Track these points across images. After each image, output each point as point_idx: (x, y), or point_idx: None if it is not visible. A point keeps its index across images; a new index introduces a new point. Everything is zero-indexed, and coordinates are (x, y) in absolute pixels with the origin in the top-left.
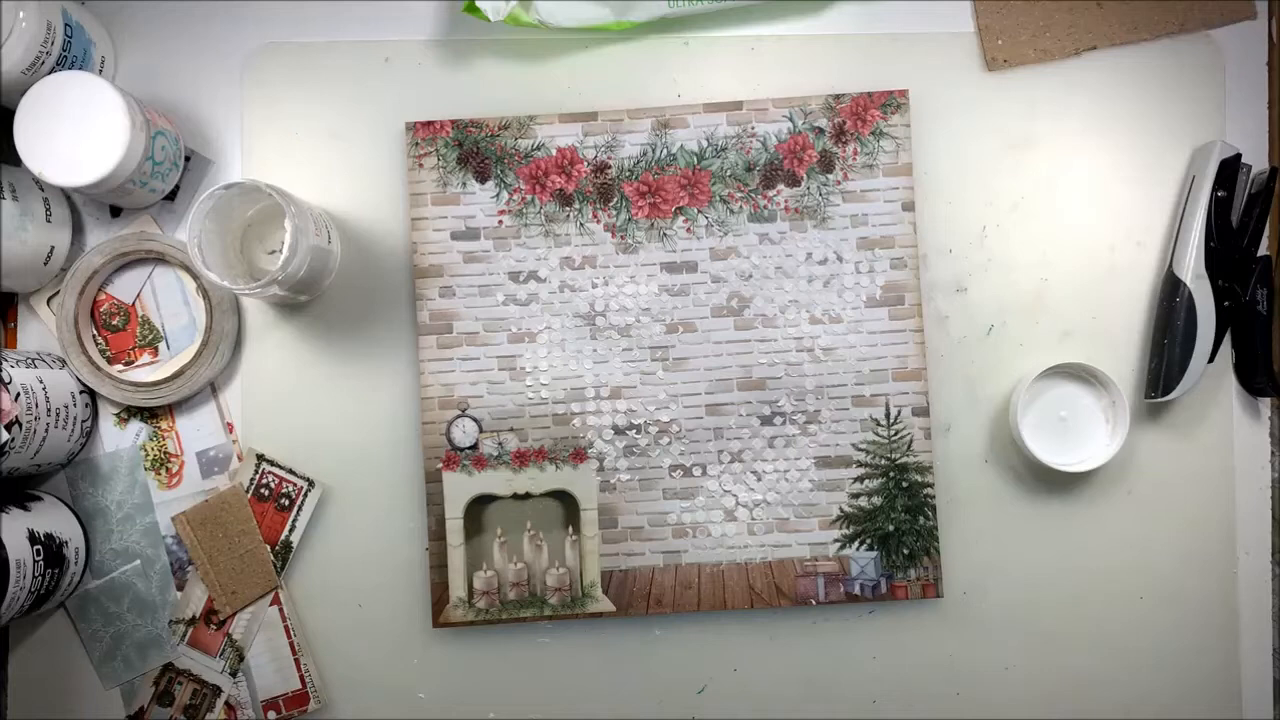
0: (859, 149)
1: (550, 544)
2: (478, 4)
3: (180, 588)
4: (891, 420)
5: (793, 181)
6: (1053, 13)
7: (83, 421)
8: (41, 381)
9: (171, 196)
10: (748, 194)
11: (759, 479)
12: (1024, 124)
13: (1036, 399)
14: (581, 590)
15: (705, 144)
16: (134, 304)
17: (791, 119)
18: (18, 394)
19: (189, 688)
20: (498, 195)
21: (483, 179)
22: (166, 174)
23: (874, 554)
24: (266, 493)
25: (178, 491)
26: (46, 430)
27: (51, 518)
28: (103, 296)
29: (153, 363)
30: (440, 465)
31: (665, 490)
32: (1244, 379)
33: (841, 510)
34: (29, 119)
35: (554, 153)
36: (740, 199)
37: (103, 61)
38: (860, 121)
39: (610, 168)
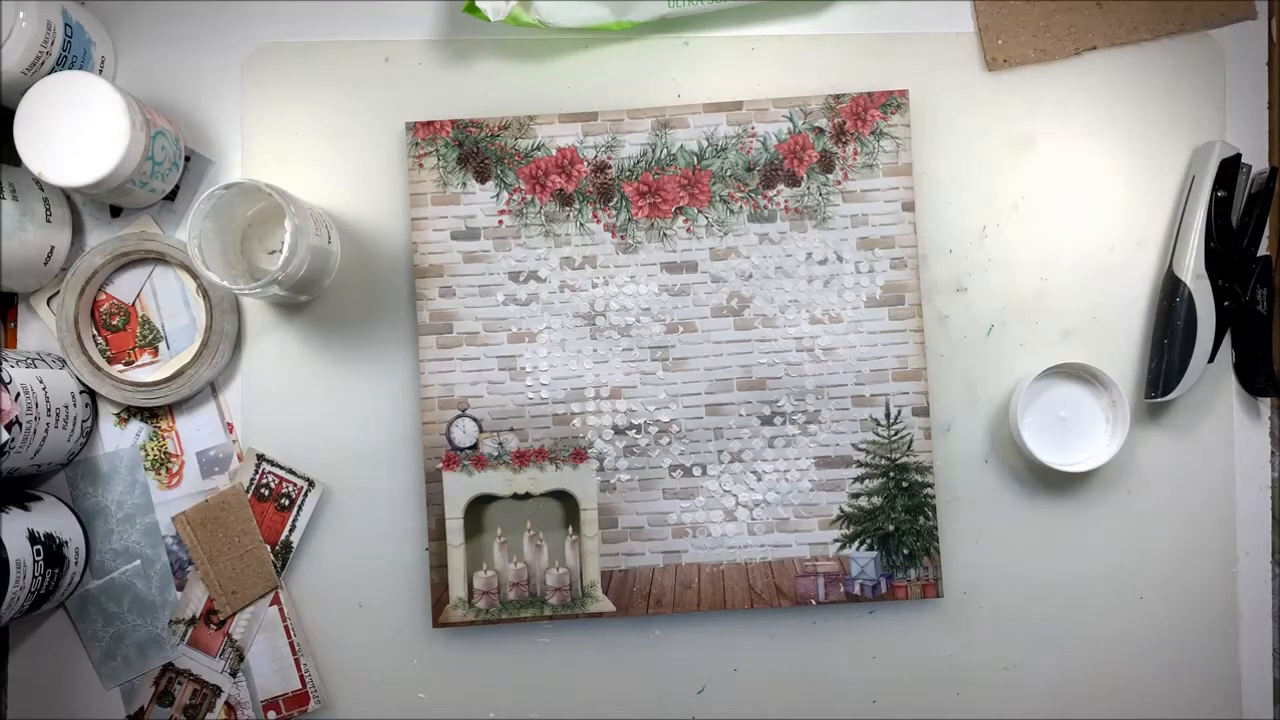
0: (859, 149)
1: (550, 544)
2: (478, 4)
3: (180, 588)
4: (891, 420)
5: (793, 181)
6: (1053, 13)
7: (83, 421)
8: (41, 381)
9: (171, 196)
10: (748, 194)
11: (759, 479)
12: (1024, 124)
13: (1036, 399)
14: (581, 590)
15: (705, 144)
16: (134, 304)
17: (791, 119)
18: (18, 394)
19: (189, 688)
20: (498, 195)
21: (483, 179)
22: (166, 174)
23: (874, 554)
24: (266, 493)
25: (178, 491)
26: (46, 430)
27: (51, 518)
28: (103, 296)
29: (153, 363)
30: (440, 465)
31: (665, 490)
32: (1244, 379)
33: (841, 510)
34: (29, 119)
35: (554, 153)
36: (740, 199)
37: (103, 61)
38: (860, 121)
39: (610, 168)
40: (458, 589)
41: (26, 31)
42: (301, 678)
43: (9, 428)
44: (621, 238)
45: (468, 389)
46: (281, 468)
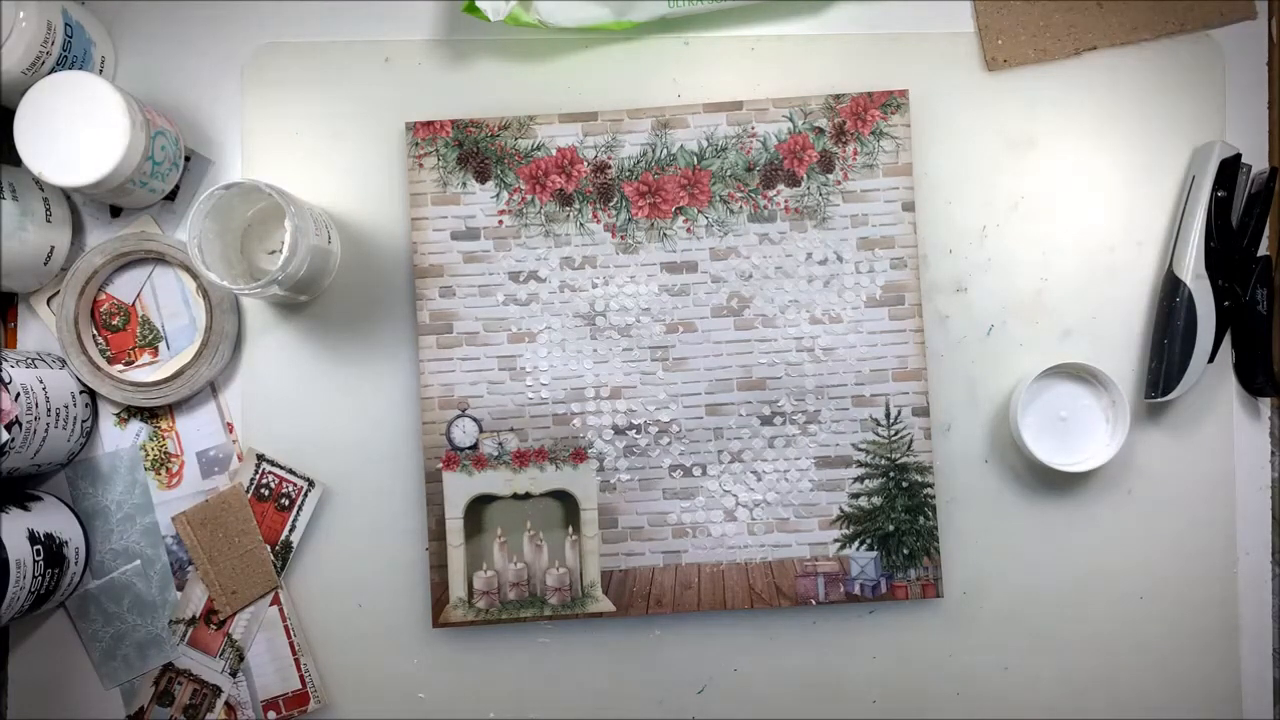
0: (859, 149)
1: (550, 544)
2: (478, 4)
3: (180, 588)
4: (891, 420)
5: (793, 181)
6: (1053, 13)
7: (83, 421)
8: (41, 381)
9: (171, 196)
10: (748, 194)
11: (759, 479)
12: (1024, 124)
13: (1036, 399)
14: (581, 590)
15: (705, 144)
16: (134, 304)
17: (791, 119)
18: (18, 394)
19: (189, 688)
20: (498, 195)
21: (483, 179)
22: (166, 174)
23: (874, 554)
24: (266, 493)
25: (178, 491)
26: (46, 430)
27: (51, 518)
28: (103, 296)
29: (153, 363)
30: (440, 465)
31: (665, 490)
32: (1244, 379)
33: (841, 510)
34: (29, 119)
35: (554, 153)
36: (740, 199)
37: (103, 61)
38: (860, 121)
39: (610, 168)
40: (458, 589)
41: (26, 31)
42: (301, 678)
43: (9, 428)
44: (621, 238)
45: (468, 389)
46: (281, 468)
